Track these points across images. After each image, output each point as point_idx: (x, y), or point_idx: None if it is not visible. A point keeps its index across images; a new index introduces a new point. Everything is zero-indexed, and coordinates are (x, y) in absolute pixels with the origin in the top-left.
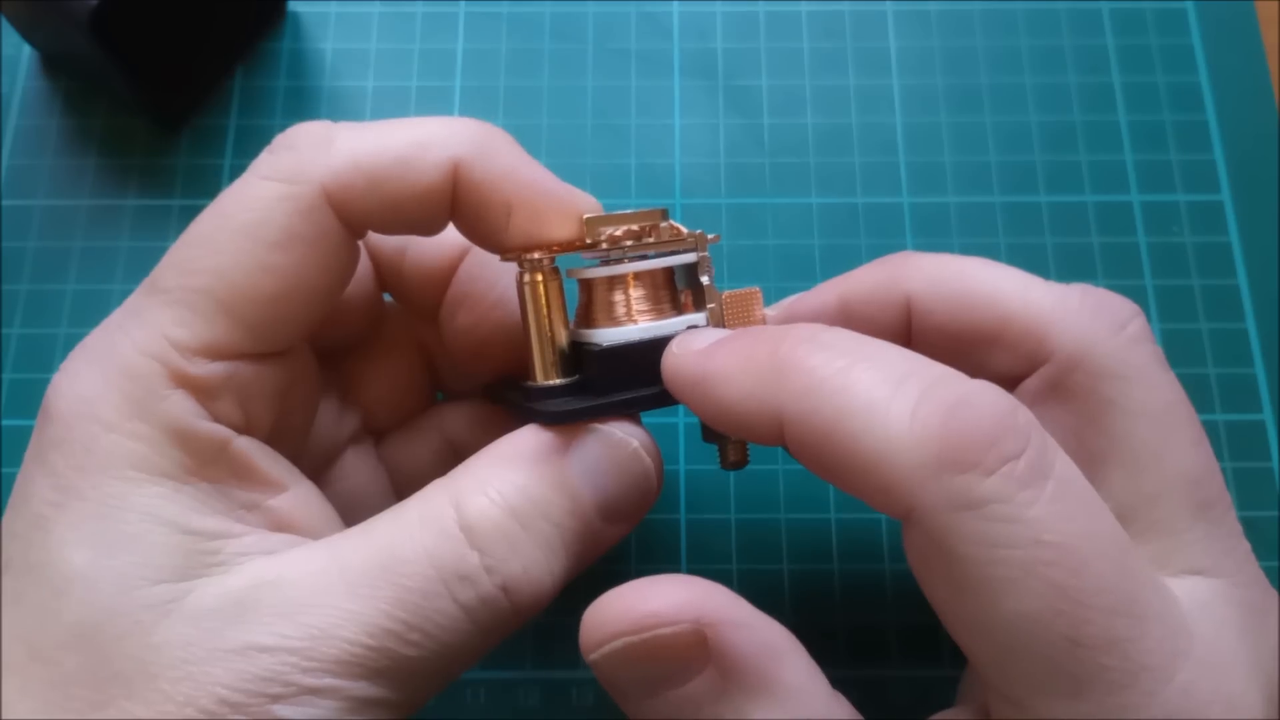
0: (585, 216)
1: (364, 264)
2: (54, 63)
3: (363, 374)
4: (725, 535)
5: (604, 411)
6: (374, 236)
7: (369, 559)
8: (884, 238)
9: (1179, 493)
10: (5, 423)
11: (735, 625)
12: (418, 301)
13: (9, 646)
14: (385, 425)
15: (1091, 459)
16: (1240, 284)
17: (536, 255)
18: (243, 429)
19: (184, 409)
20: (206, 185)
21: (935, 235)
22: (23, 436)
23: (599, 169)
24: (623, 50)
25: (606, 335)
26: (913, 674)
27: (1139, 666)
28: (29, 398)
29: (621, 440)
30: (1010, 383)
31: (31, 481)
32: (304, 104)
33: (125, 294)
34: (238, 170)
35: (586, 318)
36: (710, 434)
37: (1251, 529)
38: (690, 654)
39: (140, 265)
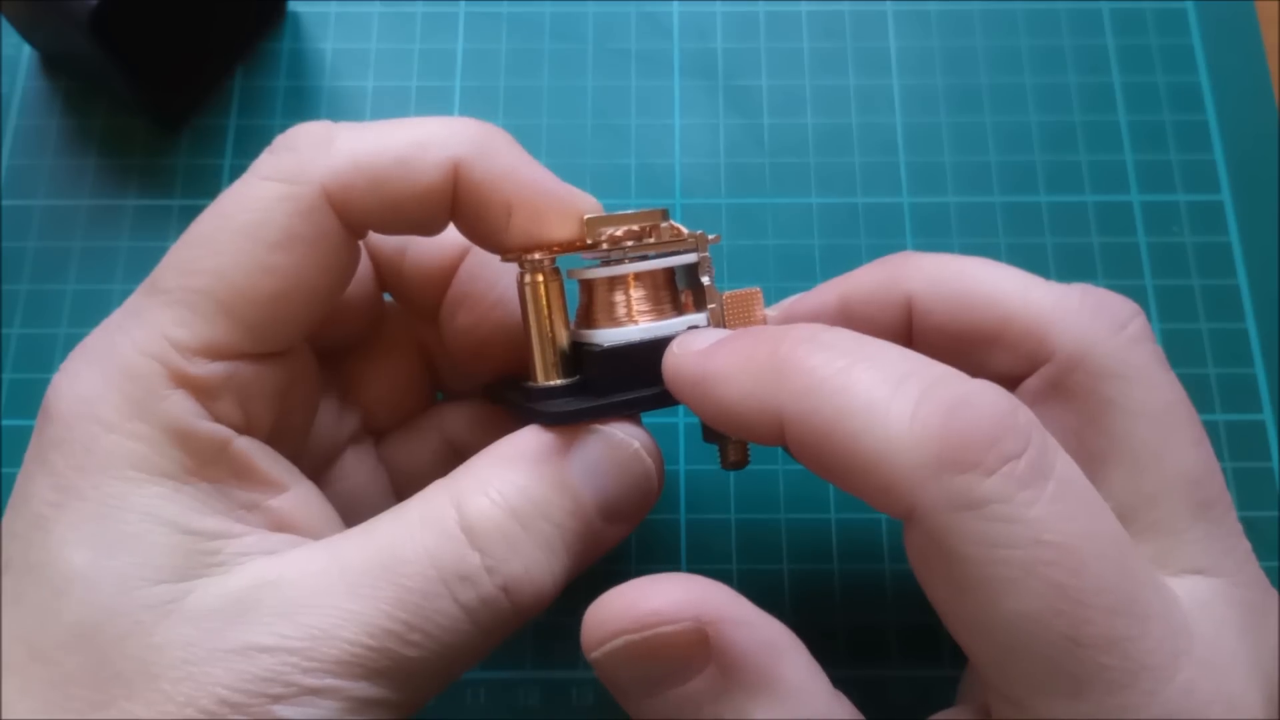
0: (586, 217)
1: (364, 264)
2: (54, 63)
3: (363, 374)
4: (725, 535)
5: (605, 412)
6: (374, 236)
7: (370, 559)
8: (884, 238)
9: (1179, 492)
10: (5, 423)
11: (736, 623)
12: (418, 301)
13: (9, 646)
14: (385, 425)
15: (1092, 459)
16: (1240, 284)
17: (537, 255)
18: (243, 429)
19: (184, 409)
20: (206, 185)
21: (935, 235)
22: (23, 436)
23: (599, 169)
24: (623, 50)
25: (607, 336)
26: (913, 674)
27: (1139, 666)
28: (29, 398)
29: (622, 441)
30: (1011, 383)
31: (32, 481)
32: (304, 104)
33: (125, 294)
34: (238, 170)
35: (587, 318)
36: (711, 434)
37: (1251, 529)
38: (691, 652)
39: (140, 265)
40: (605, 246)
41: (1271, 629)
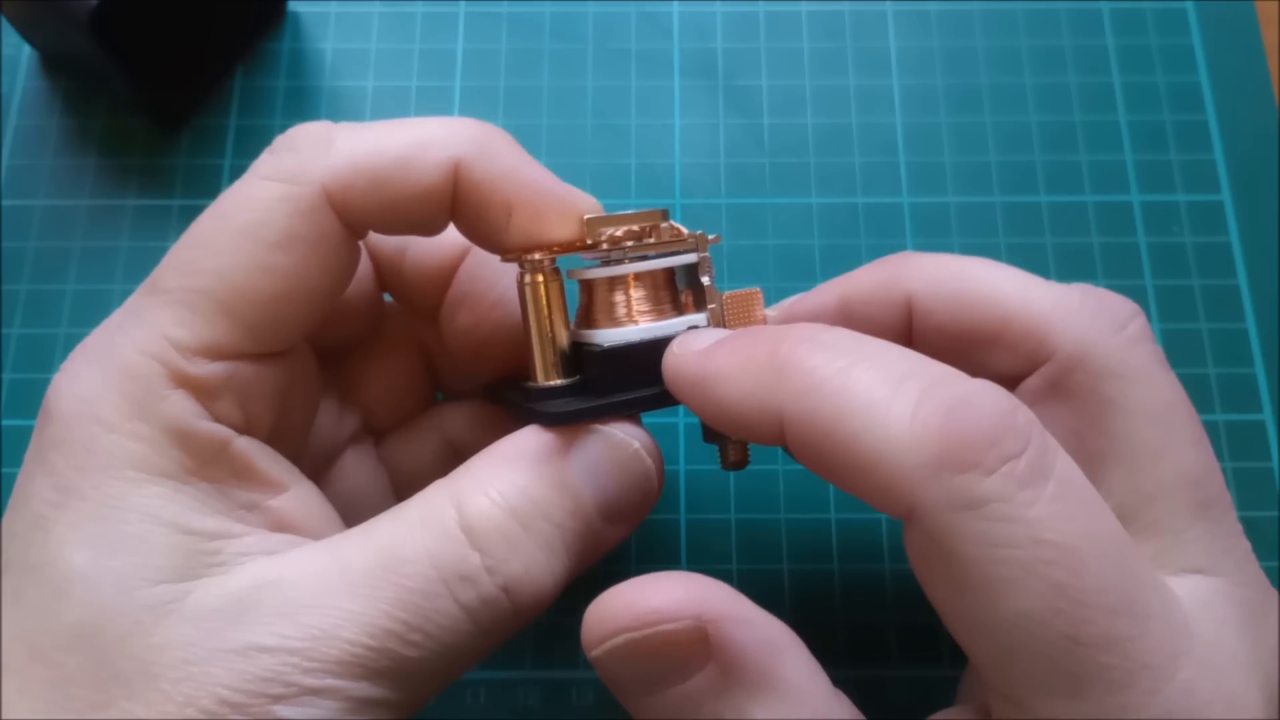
0: (586, 217)
1: (364, 264)
2: (54, 63)
3: (363, 374)
4: (725, 535)
5: (605, 412)
6: (374, 237)
7: (370, 559)
8: (884, 238)
9: (1179, 492)
10: (5, 423)
11: (736, 621)
12: (418, 301)
13: (9, 647)
14: (385, 425)
15: (1092, 458)
16: (1240, 284)
17: (537, 256)
18: (243, 429)
19: (184, 409)
20: (206, 185)
21: (935, 235)
22: (23, 436)
23: (599, 169)
24: (623, 50)
25: (607, 336)
26: (913, 674)
27: (1139, 665)
28: (29, 398)
29: (623, 441)
30: (1011, 382)
31: (32, 481)
32: (304, 104)
33: (125, 294)
34: (238, 170)
35: (587, 318)
36: (711, 434)
37: (1251, 529)
38: (691, 650)
39: (140, 265)
40: (605, 247)
41: (1271, 629)
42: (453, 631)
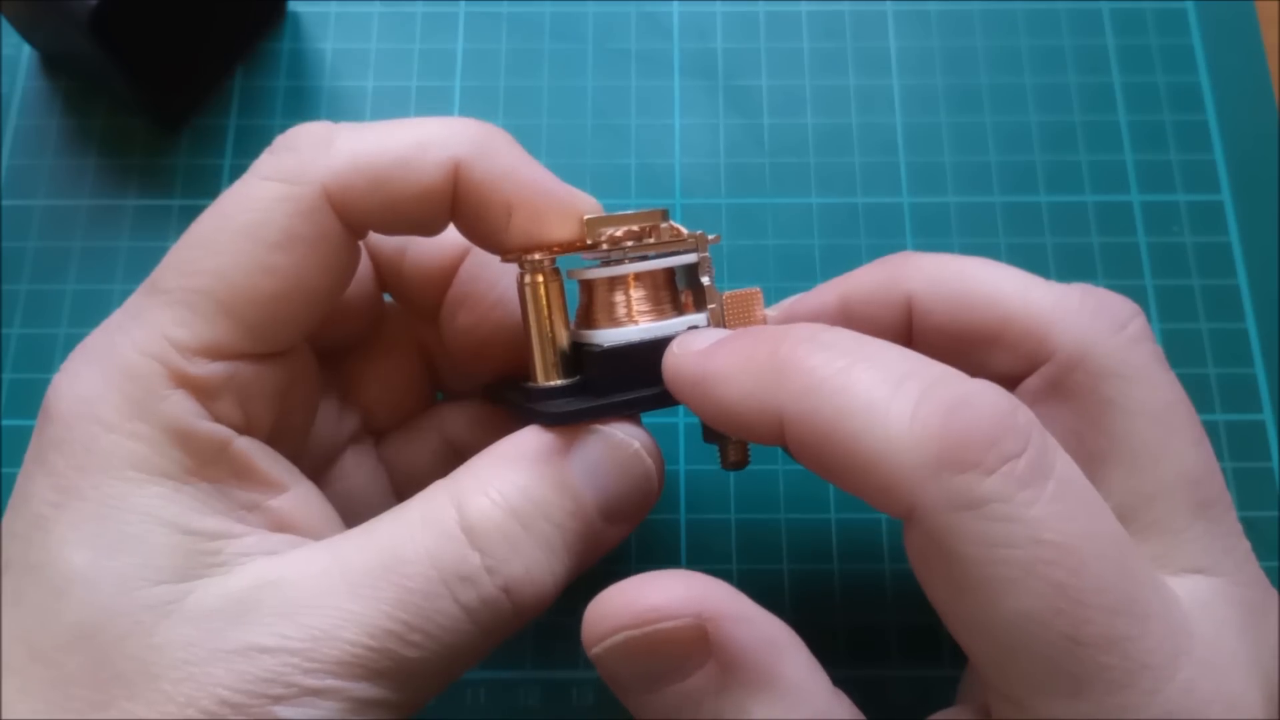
0: (586, 217)
1: (364, 264)
2: (54, 63)
3: (363, 374)
4: (725, 535)
5: (605, 412)
6: (374, 237)
7: (370, 560)
8: (884, 238)
9: (1179, 492)
10: (5, 423)
11: (736, 620)
12: (418, 302)
13: (9, 647)
14: (385, 425)
15: (1092, 458)
16: (1240, 284)
17: (537, 256)
18: (243, 429)
19: (184, 409)
20: (206, 185)
21: (935, 235)
22: (23, 436)
23: (599, 169)
24: (623, 50)
25: (607, 336)
26: (913, 674)
27: (1139, 665)
28: (29, 398)
29: (623, 441)
30: (1011, 382)
31: (32, 482)
32: (304, 104)
33: (125, 294)
34: (238, 170)
35: (587, 318)
36: (711, 434)
37: (1251, 529)
38: (691, 648)
39: (140, 265)
40: (605, 247)
41: (1271, 629)
42: (453, 632)
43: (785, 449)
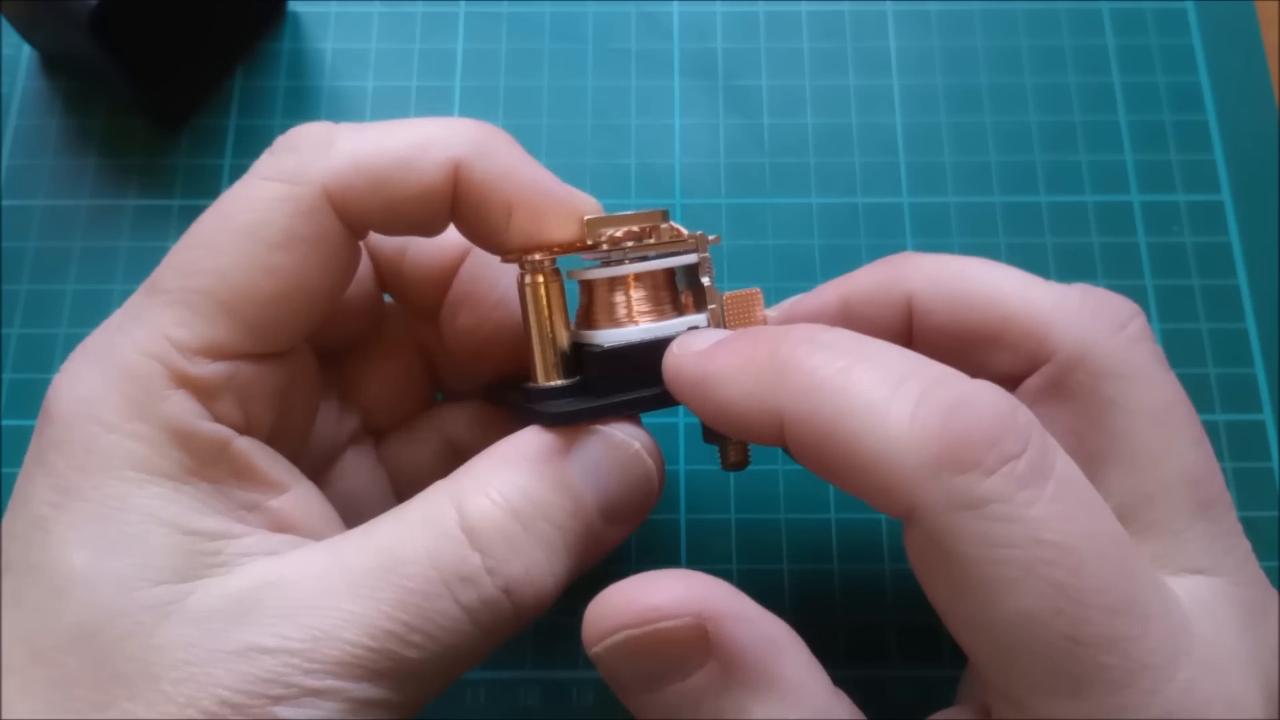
0: (586, 217)
1: (364, 264)
2: (54, 63)
3: (363, 374)
4: (725, 535)
5: (605, 412)
6: (374, 237)
7: (371, 560)
8: (884, 238)
9: (1179, 492)
10: (5, 423)
11: (736, 619)
12: (418, 302)
13: (9, 647)
14: (385, 425)
15: (1091, 458)
16: (1240, 284)
17: (537, 256)
18: (243, 429)
19: (184, 409)
20: (206, 185)
21: (935, 235)
22: (23, 436)
23: (599, 169)
24: (623, 50)
25: (607, 336)
26: (913, 674)
27: (1139, 665)
28: (29, 398)
29: (623, 441)
30: (1011, 382)
31: (32, 482)
32: (304, 104)
33: (125, 294)
34: (238, 170)
35: (587, 319)
36: (711, 435)
37: (1251, 529)
38: (691, 648)
39: (140, 265)
40: (605, 247)
41: (1271, 629)
42: (453, 632)
43: (785, 449)
